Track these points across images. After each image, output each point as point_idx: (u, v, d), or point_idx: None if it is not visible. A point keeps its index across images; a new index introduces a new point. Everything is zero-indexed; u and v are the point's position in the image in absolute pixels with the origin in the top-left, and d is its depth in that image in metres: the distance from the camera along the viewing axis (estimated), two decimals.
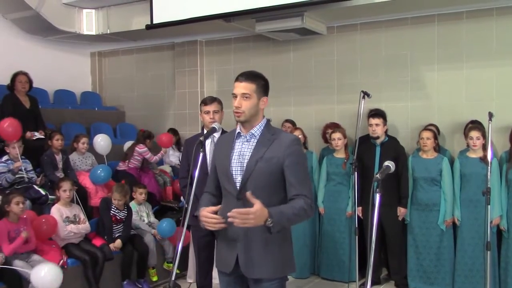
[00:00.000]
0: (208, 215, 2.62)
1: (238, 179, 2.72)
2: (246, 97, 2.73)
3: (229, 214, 2.49)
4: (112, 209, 5.48)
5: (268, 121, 2.86)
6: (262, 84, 2.79)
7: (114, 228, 5.49)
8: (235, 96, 2.75)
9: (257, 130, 2.79)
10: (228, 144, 2.82)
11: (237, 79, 2.78)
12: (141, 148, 6.55)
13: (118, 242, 5.37)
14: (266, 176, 2.68)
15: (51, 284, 4.40)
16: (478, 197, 5.01)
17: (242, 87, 2.74)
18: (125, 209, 5.58)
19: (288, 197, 2.71)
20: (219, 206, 2.68)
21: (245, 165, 2.72)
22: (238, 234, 2.70)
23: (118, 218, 5.51)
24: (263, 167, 2.68)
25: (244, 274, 2.75)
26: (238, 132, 2.82)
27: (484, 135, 5.17)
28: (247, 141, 2.79)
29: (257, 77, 2.80)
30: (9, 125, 5.45)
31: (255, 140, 2.77)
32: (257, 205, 2.47)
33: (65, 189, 5.19)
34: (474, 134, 5.20)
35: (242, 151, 2.77)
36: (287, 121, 6.79)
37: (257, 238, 2.68)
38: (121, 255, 5.42)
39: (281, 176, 2.71)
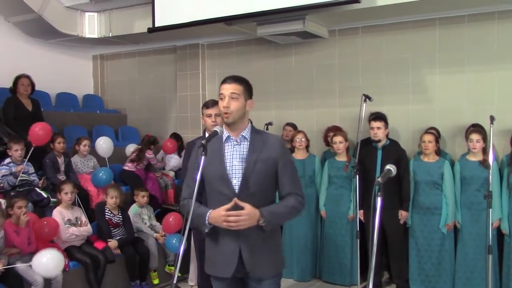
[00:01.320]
0: (233, 213, 2.62)
1: (234, 181, 2.74)
2: (233, 97, 2.76)
3: (222, 218, 2.62)
4: (107, 213, 5.50)
5: (252, 123, 2.93)
6: (248, 87, 2.84)
7: (112, 232, 5.51)
8: (223, 97, 2.78)
9: (247, 132, 2.83)
10: (218, 148, 2.81)
11: (224, 82, 2.82)
12: (149, 154, 6.74)
13: (114, 243, 5.37)
14: (264, 177, 2.76)
15: (54, 270, 4.52)
16: (478, 200, 5.03)
17: (231, 88, 2.77)
18: (119, 213, 5.59)
19: (280, 195, 2.85)
20: (231, 203, 2.66)
21: (243, 168, 2.75)
22: (240, 234, 2.72)
23: (114, 222, 5.52)
24: (261, 168, 2.74)
25: (246, 275, 2.77)
26: (228, 136, 2.82)
27: (484, 139, 5.18)
28: (238, 144, 2.81)
29: (243, 80, 2.85)
30: (41, 128, 5.53)
31: (247, 143, 2.80)
32: (247, 206, 2.62)
33: (67, 192, 5.20)
34: (474, 137, 5.21)
35: (236, 154, 2.79)
36: (288, 124, 6.79)
37: (258, 236, 2.74)
38: (123, 258, 5.44)
39: (274, 176, 2.82)
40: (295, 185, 2.84)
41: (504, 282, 5.17)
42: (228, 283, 2.83)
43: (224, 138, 2.83)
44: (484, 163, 5.11)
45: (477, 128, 5.47)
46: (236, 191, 2.73)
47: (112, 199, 5.51)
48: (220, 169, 2.76)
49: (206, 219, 2.71)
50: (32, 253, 4.69)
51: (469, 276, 5.24)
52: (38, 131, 5.50)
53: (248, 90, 2.83)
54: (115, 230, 5.52)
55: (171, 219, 5.71)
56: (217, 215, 2.67)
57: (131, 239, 5.58)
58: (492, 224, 4.97)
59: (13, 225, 4.66)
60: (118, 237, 5.49)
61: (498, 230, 5.17)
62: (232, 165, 2.76)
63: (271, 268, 2.81)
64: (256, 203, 2.68)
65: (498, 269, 5.20)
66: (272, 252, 2.83)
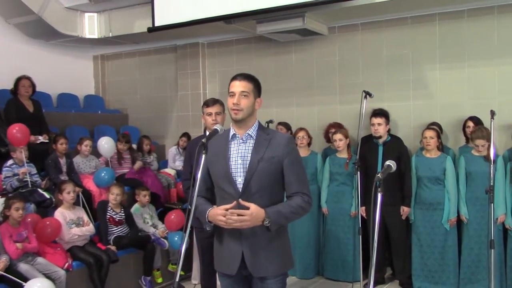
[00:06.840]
0: (237, 212, 2.61)
1: (238, 180, 2.74)
2: (244, 95, 2.76)
3: (227, 217, 2.61)
4: (108, 211, 5.54)
5: (259, 122, 2.91)
6: (257, 86, 2.85)
7: (114, 230, 5.53)
8: (233, 94, 2.77)
9: (253, 130, 2.81)
10: (223, 146, 2.82)
11: (234, 79, 2.81)
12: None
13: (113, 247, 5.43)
14: (268, 176, 2.73)
15: None
16: (484, 195, 4.97)
17: (241, 86, 2.77)
18: (122, 211, 5.62)
19: (287, 195, 2.80)
20: (233, 204, 2.65)
21: (246, 166, 2.74)
22: (242, 233, 2.72)
23: (116, 220, 5.55)
24: (265, 167, 2.71)
25: (251, 273, 2.76)
26: (233, 133, 2.82)
27: (488, 139, 5.11)
28: (243, 142, 2.80)
29: (253, 78, 2.85)
30: (18, 130, 5.47)
31: (253, 141, 2.79)
32: (252, 206, 2.60)
33: (69, 191, 5.21)
34: (480, 142, 5.14)
35: (241, 152, 2.77)
36: (280, 124, 6.69)
37: (262, 236, 2.72)
38: (142, 253, 5.61)
39: (281, 175, 2.77)
40: (302, 184, 2.78)
41: (509, 276, 5.16)
42: (233, 280, 2.84)
43: (230, 136, 2.82)
44: (488, 158, 5.09)
45: (478, 133, 5.22)
46: (240, 190, 2.73)
47: (113, 195, 5.54)
48: (225, 167, 2.76)
49: (206, 217, 2.72)
50: (34, 253, 4.72)
51: (474, 271, 5.23)
52: (16, 133, 5.46)
53: (257, 88, 2.83)
54: (116, 228, 5.54)
55: (173, 216, 5.75)
56: (215, 213, 2.67)
57: (137, 235, 5.63)
58: (497, 219, 5.00)
59: (11, 228, 4.62)
60: (122, 235, 5.53)
61: (504, 225, 5.17)
62: (236, 164, 2.76)
63: (275, 267, 2.77)
64: (260, 203, 2.66)
65: (504, 264, 5.19)
66: (278, 251, 2.79)
